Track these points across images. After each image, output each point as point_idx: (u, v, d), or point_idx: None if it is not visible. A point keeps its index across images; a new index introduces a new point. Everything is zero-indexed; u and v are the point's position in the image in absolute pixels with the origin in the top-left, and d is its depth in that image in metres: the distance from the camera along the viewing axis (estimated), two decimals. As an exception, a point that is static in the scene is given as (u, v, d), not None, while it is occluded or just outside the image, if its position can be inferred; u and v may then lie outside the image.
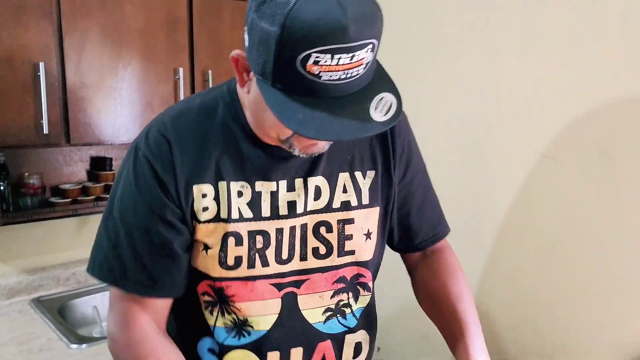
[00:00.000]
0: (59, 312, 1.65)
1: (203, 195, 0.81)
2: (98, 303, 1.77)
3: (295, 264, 0.86)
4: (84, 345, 1.42)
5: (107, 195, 1.82)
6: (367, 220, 0.89)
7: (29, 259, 1.80)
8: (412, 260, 1.02)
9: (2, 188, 1.61)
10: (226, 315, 0.85)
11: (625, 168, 1.24)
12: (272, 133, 0.77)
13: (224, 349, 0.87)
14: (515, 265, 1.46)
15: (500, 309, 1.46)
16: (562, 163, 1.33)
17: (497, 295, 1.48)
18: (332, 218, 0.87)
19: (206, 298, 0.86)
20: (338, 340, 0.91)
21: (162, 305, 0.85)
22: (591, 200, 1.29)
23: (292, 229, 0.85)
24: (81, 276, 1.88)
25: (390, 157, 0.90)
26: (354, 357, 0.94)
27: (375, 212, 0.90)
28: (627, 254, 1.24)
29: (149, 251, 0.81)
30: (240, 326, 0.86)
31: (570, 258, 1.33)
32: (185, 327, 0.90)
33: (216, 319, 0.86)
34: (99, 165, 1.90)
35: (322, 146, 0.79)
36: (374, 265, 0.94)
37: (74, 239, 1.91)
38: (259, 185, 0.83)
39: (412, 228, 0.96)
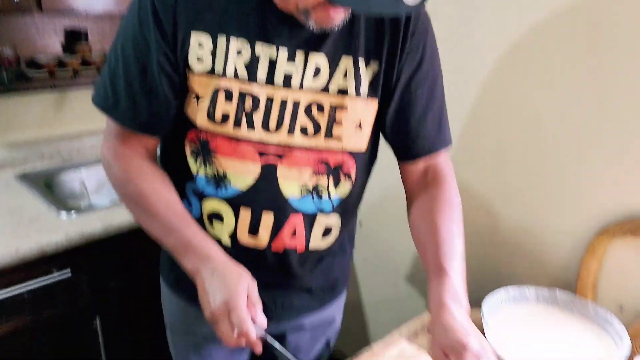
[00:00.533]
0: (46, 186, 1.66)
1: (199, 45, 0.81)
2: (84, 177, 1.77)
3: (281, 137, 0.86)
4: (73, 214, 1.44)
5: (86, 69, 1.79)
6: (362, 111, 0.88)
7: (9, 133, 1.78)
8: (411, 183, 0.98)
9: (-26, 59, 1.54)
10: (207, 166, 0.88)
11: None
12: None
13: (203, 196, 0.91)
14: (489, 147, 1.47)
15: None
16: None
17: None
18: (326, 101, 0.86)
19: (192, 147, 0.89)
20: (309, 218, 0.93)
21: (152, 142, 0.90)
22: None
23: (284, 103, 0.84)
24: (66, 153, 1.87)
25: (398, 51, 0.86)
26: (322, 236, 0.96)
27: (371, 105, 0.89)
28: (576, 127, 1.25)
29: (140, 87, 0.84)
30: (219, 180, 0.89)
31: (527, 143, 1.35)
32: (174, 170, 0.92)
33: (199, 168, 0.89)
34: (74, 38, 1.82)
35: (337, 22, 0.77)
36: (362, 159, 0.93)
37: (55, 115, 1.87)
38: (259, 49, 0.82)
39: (410, 136, 0.93)
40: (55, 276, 1.36)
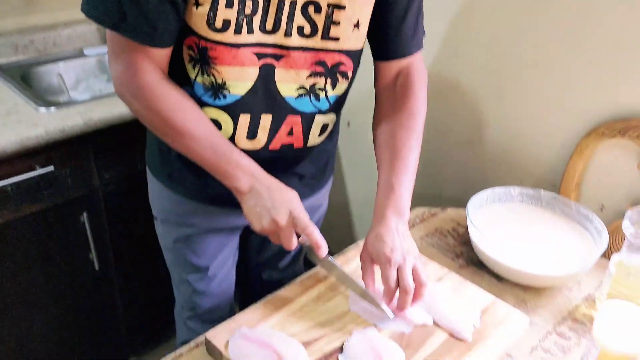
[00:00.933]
0: (22, 80, 1.59)
1: None
2: (62, 71, 1.70)
3: (278, 38, 0.86)
4: (52, 109, 1.39)
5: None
6: (359, 9, 0.88)
7: (-22, 22, 1.67)
8: (382, 86, 1.02)
9: None
10: (205, 76, 0.88)
11: None
12: None
13: (200, 103, 0.91)
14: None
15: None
16: None
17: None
18: (323, 0, 0.85)
19: (190, 53, 0.87)
20: (307, 118, 0.96)
21: (163, 55, 0.86)
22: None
23: (281, 3, 0.83)
24: (40, 44, 1.77)
25: None
26: (320, 134, 1.01)
27: (368, 3, 0.88)
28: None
29: None
30: (217, 89, 0.89)
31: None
32: (170, 74, 0.90)
33: (196, 75, 0.89)
34: None
35: None
36: (358, 56, 0.95)
37: (27, 4, 1.75)
38: None
39: (389, 34, 0.96)
40: (39, 172, 1.34)
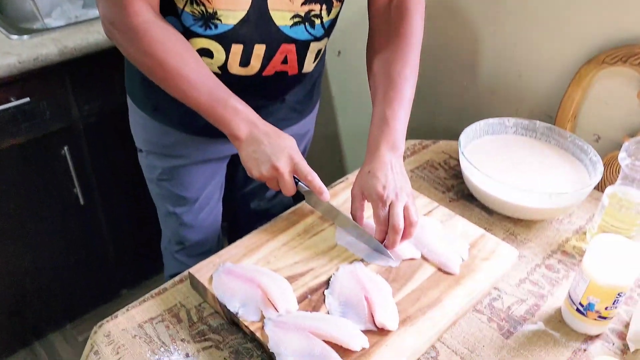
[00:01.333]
0: (-8, 6, 1.50)
1: None
2: (35, -4, 1.60)
3: None
4: (25, 37, 1.31)
5: None
6: None
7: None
8: (376, 11, 0.97)
9: None
10: (195, 5, 0.83)
11: None
12: None
13: (188, 34, 0.87)
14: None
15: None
16: None
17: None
18: None
19: None
20: (302, 46, 0.93)
21: None
22: None
23: None
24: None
25: None
26: (314, 61, 0.99)
27: None
28: None
29: None
30: (208, 18, 0.84)
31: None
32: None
33: (185, 4, 0.84)
34: None
35: None
36: None
37: None
38: None
39: None
40: (14, 104, 1.28)
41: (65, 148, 1.41)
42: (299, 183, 0.89)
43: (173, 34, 0.84)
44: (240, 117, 0.86)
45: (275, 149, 0.85)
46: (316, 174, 0.87)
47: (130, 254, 1.76)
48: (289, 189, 0.88)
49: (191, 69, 0.84)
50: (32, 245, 1.50)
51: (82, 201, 1.51)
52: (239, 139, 0.87)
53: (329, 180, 1.13)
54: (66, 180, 1.46)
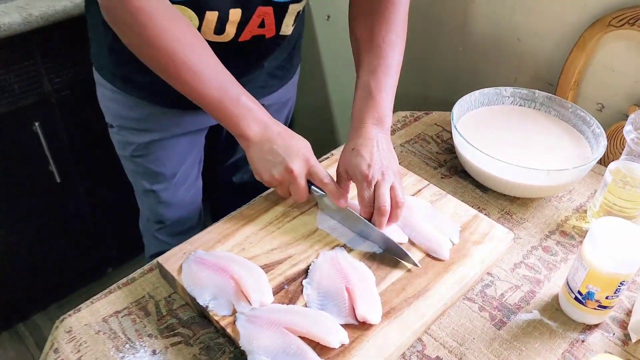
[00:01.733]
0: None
1: None
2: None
3: None
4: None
5: None
6: None
7: None
8: None
9: None
10: None
11: None
12: None
13: None
14: None
15: None
16: None
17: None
18: None
19: None
20: (281, 8, 0.87)
21: None
22: None
23: None
24: None
25: None
26: (293, 23, 0.92)
27: None
28: None
29: None
30: None
31: None
32: None
33: None
34: None
35: None
36: None
37: None
38: None
39: None
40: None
41: (37, 124, 1.33)
42: (312, 187, 0.82)
43: (180, 21, 0.76)
44: (251, 116, 0.80)
45: (289, 151, 0.79)
46: (333, 178, 0.81)
47: (113, 232, 1.70)
48: (301, 194, 0.81)
49: (203, 62, 0.77)
50: (9, 226, 1.44)
51: (58, 179, 1.44)
52: (249, 139, 0.80)
53: (321, 152, 1.06)
54: (40, 158, 1.39)
